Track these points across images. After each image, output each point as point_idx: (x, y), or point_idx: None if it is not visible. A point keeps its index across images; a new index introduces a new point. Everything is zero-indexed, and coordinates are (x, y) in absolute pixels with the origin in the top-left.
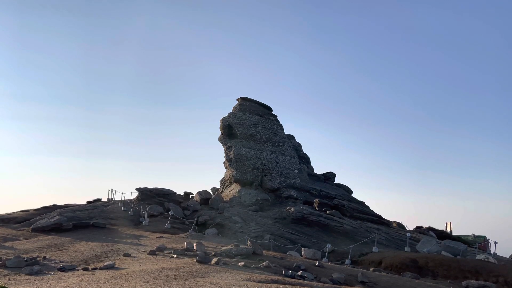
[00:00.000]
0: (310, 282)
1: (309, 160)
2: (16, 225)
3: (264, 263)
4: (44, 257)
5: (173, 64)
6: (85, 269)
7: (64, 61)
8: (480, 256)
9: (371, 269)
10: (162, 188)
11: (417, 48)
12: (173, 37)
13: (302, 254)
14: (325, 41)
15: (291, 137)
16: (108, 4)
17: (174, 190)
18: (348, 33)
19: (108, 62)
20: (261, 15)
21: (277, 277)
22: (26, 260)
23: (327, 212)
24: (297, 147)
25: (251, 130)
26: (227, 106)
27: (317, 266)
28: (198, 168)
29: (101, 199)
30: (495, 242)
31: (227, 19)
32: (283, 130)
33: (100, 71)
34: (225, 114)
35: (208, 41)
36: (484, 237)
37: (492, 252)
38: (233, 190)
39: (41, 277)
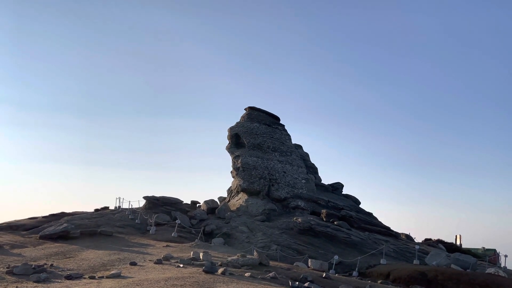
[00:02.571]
0: None
1: (317, 170)
2: (24, 232)
3: (270, 274)
4: (52, 265)
5: (180, 73)
6: (92, 278)
7: (68, 67)
8: (490, 270)
9: (379, 281)
10: (169, 197)
11: (432, 54)
12: (178, 44)
13: (309, 265)
14: (336, 50)
15: (299, 147)
16: (110, 9)
17: (181, 199)
18: (360, 40)
19: (115, 69)
20: (270, 21)
21: None
22: (34, 268)
23: (335, 223)
24: (305, 157)
25: (258, 139)
26: (235, 116)
27: (324, 277)
28: (205, 177)
29: (108, 207)
30: (505, 256)
31: (236, 27)
32: (290, 139)
33: (106, 79)
34: (233, 124)
35: (216, 50)
36: (494, 250)
37: (502, 266)
38: (240, 199)
39: (48, 284)
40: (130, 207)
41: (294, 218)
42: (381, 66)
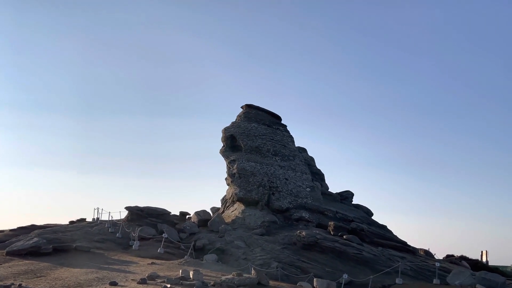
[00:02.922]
0: None
1: (324, 176)
2: None
3: None
4: (20, 285)
5: (168, 66)
6: None
7: (53, 62)
8: None
9: None
10: (155, 208)
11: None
12: (168, 35)
13: (315, 285)
14: (346, 42)
15: (303, 150)
16: (104, 4)
17: (169, 210)
18: (372, 35)
19: (96, 66)
20: (270, 11)
21: None
22: None
23: (344, 237)
24: (310, 162)
25: (257, 141)
26: (230, 115)
27: None
28: (196, 185)
29: (85, 218)
30: None
31: (232, 16)
32: (293, 142)
33: (87, 75)
34: (228, 124)
35: (209, 43)
36: None
37: None
38: (236, 210)
39: None
40: (110, 219)
41: (298, 231)
42: (397, 62)
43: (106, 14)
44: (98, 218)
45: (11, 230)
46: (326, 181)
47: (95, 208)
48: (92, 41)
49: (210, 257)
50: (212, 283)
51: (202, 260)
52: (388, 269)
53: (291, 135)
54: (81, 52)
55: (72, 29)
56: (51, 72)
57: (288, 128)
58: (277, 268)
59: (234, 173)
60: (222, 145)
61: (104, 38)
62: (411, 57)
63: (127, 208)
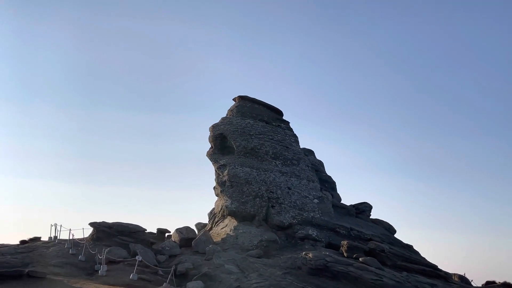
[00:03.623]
0: None
1: (335, 185)
2: None
3: None
4: None
5: (146, 50)
6: None
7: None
8: None
9: None
10: (127, 224)
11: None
12: (150, 18)
13: None
14: (353, 31)
15: (310, 153)
16: None
17: (144, 227)
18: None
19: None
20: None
21: None
22: None
23: (360, 259)
24: (318, 167)
25: (253, 142)
26: (220, 109)
27: None
28: (178, 196)
29: (40, 237)
30: None
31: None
32: (298, 142)
33: (56, 63)
34: (217, 120)
35: (196, 22)
36: None
37: None
38: (227, 226)
39: None
40: (71, 237)
41: (303, 252)
42: (417, 48)
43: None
44: (56, 237)
45: None
46: (338, 191)
47: (52, 224)
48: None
49: (194, 284)
50: None
51: None
52: None
53: (295, 134)
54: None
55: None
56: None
57: (291, 125)
58: None
59: (225, 181)
60: (210, 146)
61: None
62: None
63: (92, 224)
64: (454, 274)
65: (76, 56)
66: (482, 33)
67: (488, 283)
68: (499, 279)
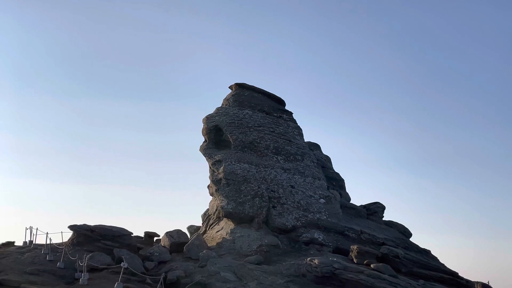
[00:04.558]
0: None
1: (343, 183)
2: None
3: None
4: None
5: (132, 33)
6: None
7: None
8: None
9: None
10: (110, 227)
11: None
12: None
13: None
14: (361, 15)
15: (315, 147)
16: None
17: (130, 230)
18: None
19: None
20: None
21: None
22: None
23: (372, 266)
24: (325, 163)
25: (251, 135)
26: (215, 98)
27: None
28: (168, 196)
29: (14, 242)
30: None
31: None
32: (302, 135)
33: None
34: (212, 110)
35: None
36: None
37: None
38: (223, 229)
39: None
40: (49, 242)
41: (308, 259)
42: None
43: None
44: (31, 242)
45: None
46: (347, 190)
47: (27, 227)
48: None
49: None
50: None
51: None
52: None
53: (298, 126)
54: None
55: None
56: None
57: (294, 116)
58: None
59: (220, 179)
60: (204, 140)
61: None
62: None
63: (71, 227)
64: (477, 282)
65: (65, 41)
66: (498, 14)
67: None
68: None
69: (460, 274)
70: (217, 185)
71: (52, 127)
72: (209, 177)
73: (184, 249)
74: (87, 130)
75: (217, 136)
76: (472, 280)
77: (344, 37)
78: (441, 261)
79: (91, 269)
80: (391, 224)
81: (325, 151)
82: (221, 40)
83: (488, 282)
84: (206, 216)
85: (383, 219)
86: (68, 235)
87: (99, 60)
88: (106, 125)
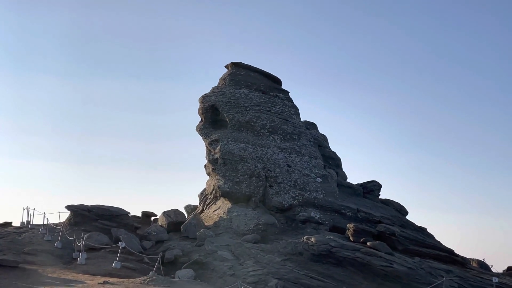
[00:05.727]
0: None
1: (340, 162)
2: None
3: None
4: None
5: (124, 11)
6: None
7: None
8: None
9: None
10: (108, 207)
11: None
12: None
13: None
14: None
15: (312, 126)
16: None
17: (127, 210)
18: None
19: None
20: None
21: None
22: None
23: (368, 244)
24: (321, 142)
25: (248, 114)
26: (211, 77)
27: None
28: (165, 175)
29: (11, 222)
30: None
31: None
32: (298, 115)
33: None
34: (208, 90)
35: None
36: None
37: None
38: (220, 209)
39: None
40: (46, 222)
41: (305, 237)
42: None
43: None
44: (28, 222)
45: None
46: (344, 168)
47: (25, 208)
48: None
49: (184, 273)
50: None
51: (173, 278)
52: (428, 287)
53: (295, 105)
54: None
55: None
56: None
57: (291, 95)
58: (276, 287)
59: (217, 159)
60: (200, 119)
61: None
62: None
63: (69, 207)
64: (473, 259)
65: (58, 20)
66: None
67: (510, 269)
68: None
69: (456, 252)
70: (214, 164)
71: (47, 107)
72: (206, 157)
73: (182, 229)
74: (83, 110)
75: (214, 116)
76: (468, 257)
77: (340, 13)
78: (437, 238)
79: (89, 249)
80: (387, 202)
81: (321, 130)
82: (216, 18)
83: (484, 259)
84: (203, 196)
85: (380, 197)
86: (65, 215)
87: (93, 40)
88: (102, 105)
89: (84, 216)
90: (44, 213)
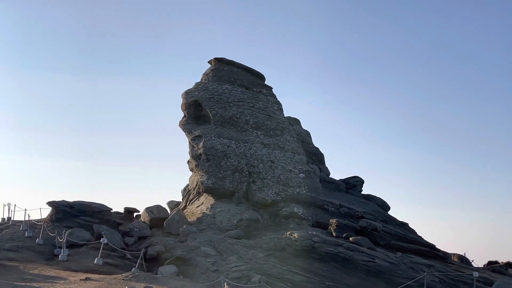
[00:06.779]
0: None
1: (323, 157)
2: None
3: None
4: None
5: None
6: None
7: None
8: None
9: None
10: (89, 203)
11: None
12: None
13: None
14: None
15: (295, 122)
16: None
17: (109, 206)
18: None
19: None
20: None
21: None
22: None
23: (351, 239)
24: (304, 138)
25: (231, 110)
26: (194, 73)
27: None
28: (147, 172)
29: None
30: None
31: None
32: (282, 110)
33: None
34: (191, 85)
35: None
36: None
37: None
38: (203, 205)
39: None
40: (27, 218)
41: (288, 233)
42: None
43: None
44: (9, 218)
45: None
46: (327, 164)
47: (5, 204)
48: None
49: (167, 269)
50: None
51: (156, 274)
52: (410, 282)
53: (278, 101)
54: None
55: None
56: None
57: (274, 91)
58: (260, 283)
59: (200, 154)
60: (183, 115)
61: None
62: None
63: (50, 203)
64: (454, 254)
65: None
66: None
67: (490, 263)
68: (502, 259)
69: (437, 246)
70: (197, 160)
71: (28, 102)
72: (189, 153)
73: (164, 224)
74: (65, 104)
75: (197, 111)
76: (449, 252)
77: (321, 6)
78: (419, 233)
79: (71, 245)
80: (369, 197)
81: (304, 126)
82: (200, 13)
83: (465, 254)
84: (186, 191)
85: (362, 193)
86: (46, 211)
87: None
88: (84, 100)
89: (65, 212)
90: (25, 209)
